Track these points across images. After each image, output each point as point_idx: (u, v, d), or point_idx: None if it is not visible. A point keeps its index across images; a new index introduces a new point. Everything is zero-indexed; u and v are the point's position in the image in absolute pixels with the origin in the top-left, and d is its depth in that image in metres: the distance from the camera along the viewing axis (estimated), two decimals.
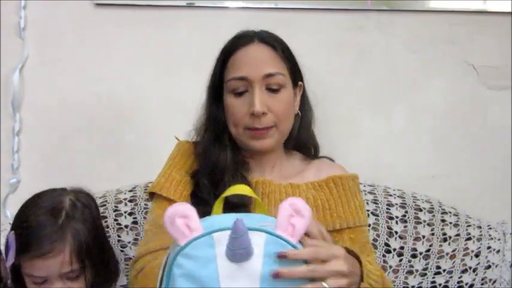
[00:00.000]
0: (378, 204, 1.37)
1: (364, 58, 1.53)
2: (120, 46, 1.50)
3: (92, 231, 0.98)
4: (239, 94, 1.05)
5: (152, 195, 1.13)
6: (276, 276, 0.75)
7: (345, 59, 1.53)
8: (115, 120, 1.51)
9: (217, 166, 1.07)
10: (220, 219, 0.81)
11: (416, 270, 1.33)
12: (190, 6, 1.49)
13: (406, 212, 1.37)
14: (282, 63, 1.08)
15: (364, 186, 1.41)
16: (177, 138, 1.17)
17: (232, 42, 1.09)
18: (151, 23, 1.49)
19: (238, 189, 0.86)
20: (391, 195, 1.40)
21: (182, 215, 0.77)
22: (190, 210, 0.78)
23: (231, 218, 0.79)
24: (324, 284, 0.79)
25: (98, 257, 0.99)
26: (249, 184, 1.05)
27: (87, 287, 0.97)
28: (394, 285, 1.33)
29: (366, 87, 1.53)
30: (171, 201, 1.03)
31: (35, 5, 1.47)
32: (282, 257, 0.77)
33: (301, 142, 1.16)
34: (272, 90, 1.05)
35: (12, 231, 0.96)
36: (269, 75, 1.04)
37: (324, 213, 1.07)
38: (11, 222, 1.32)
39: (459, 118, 1.54)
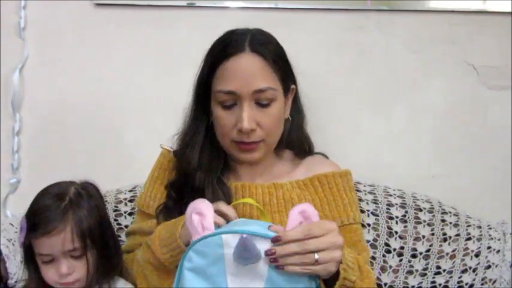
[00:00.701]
0: (377, 204, 1.37)
1: (364, 58, 1.52)
2: (120, 46, 1.50)
3: (94, 217, 1.06)
4: (227, 107, 1.02)
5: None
6: (270, 254, 0.79)
7: (345, 59, 1.53)
8: (115, 120, 1.51)
9: (188, 173, 1.06)
10: (244, 222, 0.86)
11: (416, 270, 1.33)
12: (190, 6, 1.49)
13: (406, 212, 1.37)
14: (274, 74, 1.03)
15: (364, 186, 1.41)
16: (162, 146, 1.17)
17: (223, 47, 1.03)
18: (151, 23, 1.49)
19: (245, 200, 0.97)
20: (391, 195, 1.40)
21: (199, 212, 0.82)
22: (207, 209, 0.83)
23: (242, 221, 0.85)
24: (316, 256, 0.81)
25: (100, 241, 1.06)
26: (227, 189, 1.05)
27: (90, 268, 1.04)
28: (394, 285, 1.34)
29: (365, 87, 1.53)
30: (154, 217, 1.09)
31: (35, 5, 1.47)
32: (276, 241, 0.80)
33: (293, 143, 1.14)
34: (262, 105, 1.01)
35: (24, 216, 1.06)
36: (259, 91, 1.00)
37: None
38: (11, 222, 1.33)
39: (459, 118, 1.54)
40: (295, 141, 1.14)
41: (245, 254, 0.78)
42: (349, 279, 0.88)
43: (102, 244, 1.06)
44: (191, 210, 0.82)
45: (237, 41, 1.03)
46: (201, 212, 0.81)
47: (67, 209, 1.03)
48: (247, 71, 1.01)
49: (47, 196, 1.06)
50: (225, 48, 1.03)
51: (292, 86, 1.10)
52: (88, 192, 1.08)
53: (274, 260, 0.80)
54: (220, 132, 1.05)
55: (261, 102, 1.01)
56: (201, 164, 1.06)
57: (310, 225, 0.83)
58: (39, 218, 1.02)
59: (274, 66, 1.03)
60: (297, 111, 1.13)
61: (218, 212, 0.90)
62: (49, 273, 1.03)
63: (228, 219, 0.92)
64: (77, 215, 1.03)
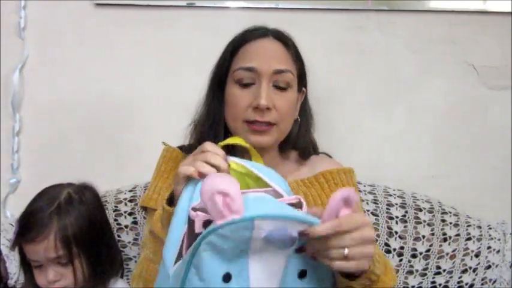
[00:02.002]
0: (377, 204, 1.37)
1: (365, 58, 1.52)
2: (120, 46, 1.49)
3: (82, 224, 1.03)
4: (244, 85, 1.02)
5: (146, 208, 1.13)
6: (302, 235, 0.71)
7: (346, 59, 1.52)
8: (115, 120, 1.51)
9: None
10: (262, 200, 0.73)
11: (416, 270, 1.33)
12: (190, 6, 1.48)
13: (406, 212, 1.37)
14: (293, 63, 1.06)
15: (364, 186, 1.41)
16: (164, 143, 1.15)
17: (245, 33, 1.07)
18: (151, 23, 1.49)
19: (234, 140, 0.88)
20: (391, 195, 1.40)
21: (222, 192, 0.68)
22: (232, 186, 0.68)
23: (273, 203, 0.72)
24: (346, 251, 0.73)
25: (89, 248, 1.03)
26: None
27: (77, 275, 1.02)
28: (394, 285, 1.34)
29: (366, 87, 1.53)
30: None
31: (35, 5, 1.47)
32: (303, 236, 0.72)
33: (300, 146, 1.13)
34: (279, 88, 1.02)
35: (17, 218, 1.05)
36: (279, 72, 1.01)
37: None
38: (11, 222, 1.34)
39: (459, 118, 1.54)
40: (302, 144, 1.13)
41: (279, 241, 0.69)
42: (376, 273, 0.82)
43: (93, 251, 1.04)
44: (211, 190, 0.67)
45: (260, 29, 1.07)
46: (225, 192, 0.67)
47: (52, 216, 1.01)
48: (270, 51, 1.03)
49: (39, 200, 1.05)
50: (247, 33, 1.06)
51: (303, 89, 1.12)
52: (80, 197, 1.06)
53: (302, 250, 0.74)
54: (233, 112, 1.03)
55: (279, 84, 1.02)
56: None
57: (341, 220, 0.74)
58: (26, 222, 1.01)
59: (294, 57, 1.05)
60: (305, 114, 1.13)
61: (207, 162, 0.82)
62: (39, 278, 1.02)
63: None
64: (62, 222, 1.01)
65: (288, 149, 1.13)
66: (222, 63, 1.08)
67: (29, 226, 1.01)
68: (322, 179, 1.09)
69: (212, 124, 1.07)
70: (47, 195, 1.06)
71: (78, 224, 1.03)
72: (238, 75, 1.02)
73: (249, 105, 1.00)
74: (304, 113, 1.13)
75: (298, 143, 1.12)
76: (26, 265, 1.07)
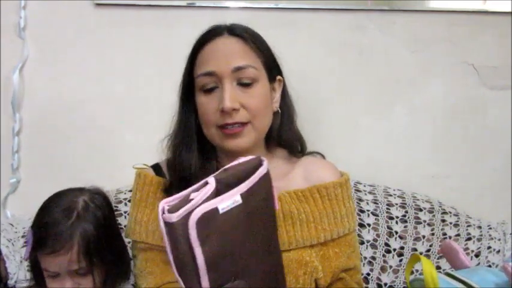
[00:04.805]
0: (377, 204, 1.37)
1: (364, 58, 1.52)
2: (120, 46, 1.49)
3: (102, 233, 1.02)
4: (209, 91, 0.99)
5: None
6: None
7: (345, 58, 1.52)
8: (115, 120, 1.51)
9: (185, 176, 1.00)
10: None
11: (417, 270, 1.33)
12: (190, 6, 1.48)
13: (406, 212, 1.37)
14: (254, 55, 1.01)
15: (364, 186, 1.41)
16: (135, 167, 1.10)
17: (201, 37, 1.04)
18: (151, 23, 1.49)
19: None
20: (391, 195, 1.40)
21: None
22: None
23: None
24: None
25: (108, 257, 1.03)
26: None
27: (96, 283, 1.02)
28: (394, 285, 1.34)
29: (366, 87, 1.53)
30: (147, 244, 1.02)
31: (35, 5, 1.47)
32: None
33: (285, 140, 1.09)
34: (244, 84, 0.98)
35: (30, 228, 1.03)
36: (239, 69, 0.98)
37: (309, 227, 1.01)
38: (11, 222, 1.33)
39: (459, 118, 1.54)
40: (287, 138, 1.08)
41: None
42: None
43: (110, 258, 1.03)
44: None
45: (214, 29, 1.03)
46: None
47: (74, 227, 0.99)
48: (226, 50, 0.99)
49: (54, 210, 1.02)
50: (203, 37, 1.03)
51: (279, 77, 1.07)
52: (97, 205, 1.04)
53: None
54: (205, 120, 1.00)
55: (243, 81, 0.98)
56: (197, 167, 1.01)
57: None
58: (45, 234, 0.99)
59: (254, 47, 1.01)
60: (286, 105, 1.09)
61: None
62: (53, 286, 1.01)
63: None
64: (83, 233, 0.99)
65: (273, 144, 1.09)
66: (185, 73, 1.05)
67: (48, 239, 0.98)
68: (317, 194, 1.03)
69: (184, 137, 1.04)
70: (62, 204, 1.03)
71: (98, 234, 1.01)
72: (201, 82, 1.00)
73: (216, 110, 0.98)
74: (286, 104, 1.08)
75: (283, 136, 1.07)
76: (38, 272, 1.04)
